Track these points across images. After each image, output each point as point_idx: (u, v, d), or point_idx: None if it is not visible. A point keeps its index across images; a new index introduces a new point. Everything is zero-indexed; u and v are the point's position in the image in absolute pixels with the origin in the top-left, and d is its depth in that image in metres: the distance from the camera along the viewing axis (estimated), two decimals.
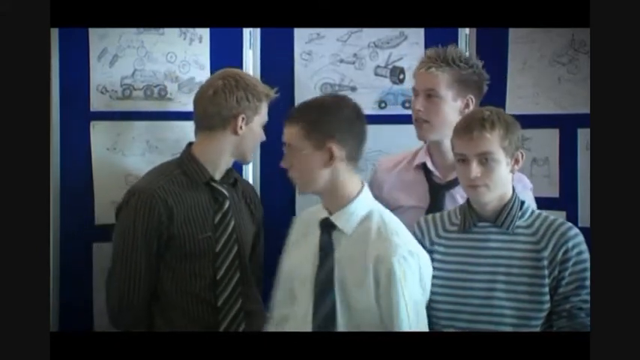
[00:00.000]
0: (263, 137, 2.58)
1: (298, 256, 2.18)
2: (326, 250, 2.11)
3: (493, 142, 2.12)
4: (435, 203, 2.49)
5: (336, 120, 2.11)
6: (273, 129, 2.88)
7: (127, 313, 2.43)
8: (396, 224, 2.12)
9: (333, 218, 2.12)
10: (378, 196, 2.60)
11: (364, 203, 2.13)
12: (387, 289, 2.03)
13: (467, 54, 2.55)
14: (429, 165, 2.55)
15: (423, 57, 2.55)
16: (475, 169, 2.12)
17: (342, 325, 2.07)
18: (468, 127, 2.13)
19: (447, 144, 2.45)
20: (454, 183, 2.49)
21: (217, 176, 2.53)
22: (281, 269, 2.23)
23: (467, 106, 2.50)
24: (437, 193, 2.51)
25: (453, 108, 2.47)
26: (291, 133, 2.10)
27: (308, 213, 2.25)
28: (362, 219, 2.11)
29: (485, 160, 2.12)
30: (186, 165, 2.51)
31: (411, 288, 2.04)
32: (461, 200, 2.44)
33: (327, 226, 2.12)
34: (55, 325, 2.70)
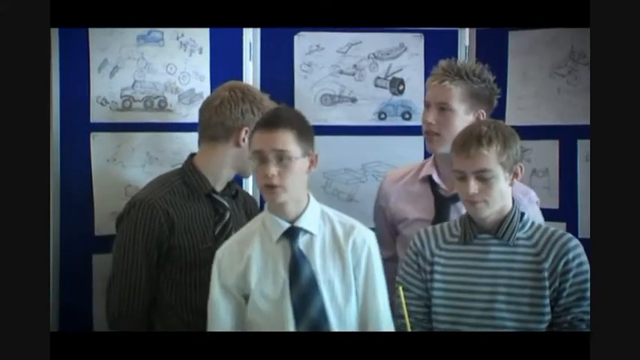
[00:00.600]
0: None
1: (263, 278, 2.13)
2: (299, 259, 2.11)
3: (490, 158, 2.11)
4: (441, 216, 2.48)
5: (311, 129, 2.18)
6: None
7: (126, 322, 2.42)
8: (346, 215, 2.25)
9: (300, 224, 2.13)
10: (384, 207, 2.62)
11: (315, 204, 2.19)
12: (366, 270, 2.13)
13: (480, 67, 2.53)
14: (435, 178, 2.54)
15: (437, 68, 2.53)
16: (473, 185, 2.12)
17: (335, 325, 2.09)
18: (465, 144, 2.12)
19: (431, 146, 2.50)
20: None
21: (218, 188, 2.53)
22: (227, 303, 2.15)
23: (478, 120, 2.49)
24: (442, 205, 2.51)
25: (464, 122, 2.44)
26: (283, 138, 2.08)
27: (244, 236, 2.20)
28: (319, 218, 2.16)
29: (483, 176, 2.12)
30: (188, 176, 2.51)
31: (381, 267, 2.17)
32: None
33: (294, 234, 2.12)
34: (54, 327, 2.71)
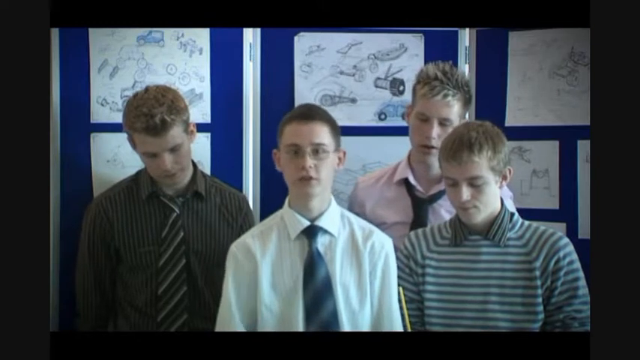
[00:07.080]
0: (156, 167, 2.43)
1: (277, 275, 2.11)
2: (316, 259, 2.10)
3: (482, 165, 2.11)
4: (419, 218, 2.48)
5: (339, 126, 2.18)
6: (272, 142, 2.89)
7: (83, 323, 2.51)
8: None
9: (320, 223, 2.12)
10: (360, 214, 2.59)
11: (336, 206, 2.19)
12: (382, 277, 2.13)
13: (466, 76, 2.53)
14: (412, 180, 2.53)
15: (428, 76, 2.48)
16: (465, 192, 2.12)
17: (346, 329, 2.08)
18: (456, 153, 2.11)
19: (429, 158, 2.47)
20: (437, 196, 2.49)
21: (169, 190, 2.49)
22: (241, 300, 2.11)
23: (465, 124, 2.49)
24: (420, 207, 2.50)
25: None
26: (320, 130, 2.09)
27: (261, 230, 2.16)
28: (339, 220, 2.16)
29: (475, 182, 2.12)
30: (140, 178, 2.52)
31: (396, 274, 2.18)
32: (444, 213, 2.45)
33: (314, 233, 2.11)
34: (55, 325, 2.74)
